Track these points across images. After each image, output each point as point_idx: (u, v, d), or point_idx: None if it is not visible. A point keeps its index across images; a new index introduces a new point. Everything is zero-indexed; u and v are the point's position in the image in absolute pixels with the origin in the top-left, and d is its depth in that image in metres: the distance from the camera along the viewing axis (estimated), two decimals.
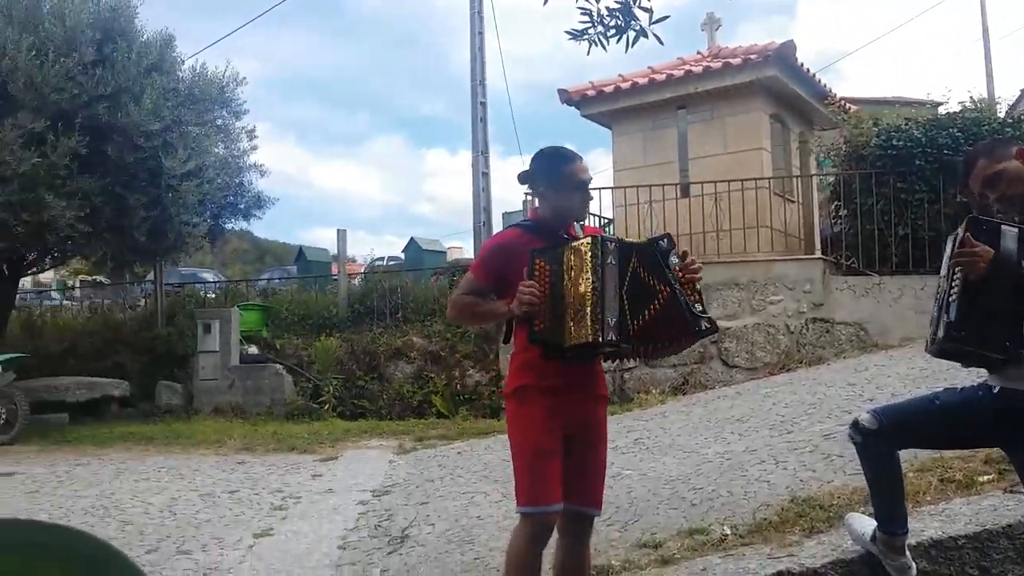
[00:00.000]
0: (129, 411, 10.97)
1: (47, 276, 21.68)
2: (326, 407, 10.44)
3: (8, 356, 9.64)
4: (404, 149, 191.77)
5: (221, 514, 5.68)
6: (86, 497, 6.37)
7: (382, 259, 23.04)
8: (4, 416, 9.13)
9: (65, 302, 19.53)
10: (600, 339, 2.74)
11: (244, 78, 11.67)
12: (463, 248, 27.53)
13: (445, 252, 19.16)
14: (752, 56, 10.59)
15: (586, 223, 3.31)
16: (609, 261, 2.80)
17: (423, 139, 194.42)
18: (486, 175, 14.51)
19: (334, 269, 17.61)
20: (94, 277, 24.40)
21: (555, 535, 3.03)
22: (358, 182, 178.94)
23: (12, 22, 9.00)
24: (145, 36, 10.45)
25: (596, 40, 3.89)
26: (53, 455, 8.39)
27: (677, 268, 2.90)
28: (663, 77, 11.11)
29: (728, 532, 4.03)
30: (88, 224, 9.41)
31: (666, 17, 3.79)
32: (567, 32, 3.88)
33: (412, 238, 17.72)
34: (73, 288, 23.77)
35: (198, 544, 4.97)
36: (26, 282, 13.88)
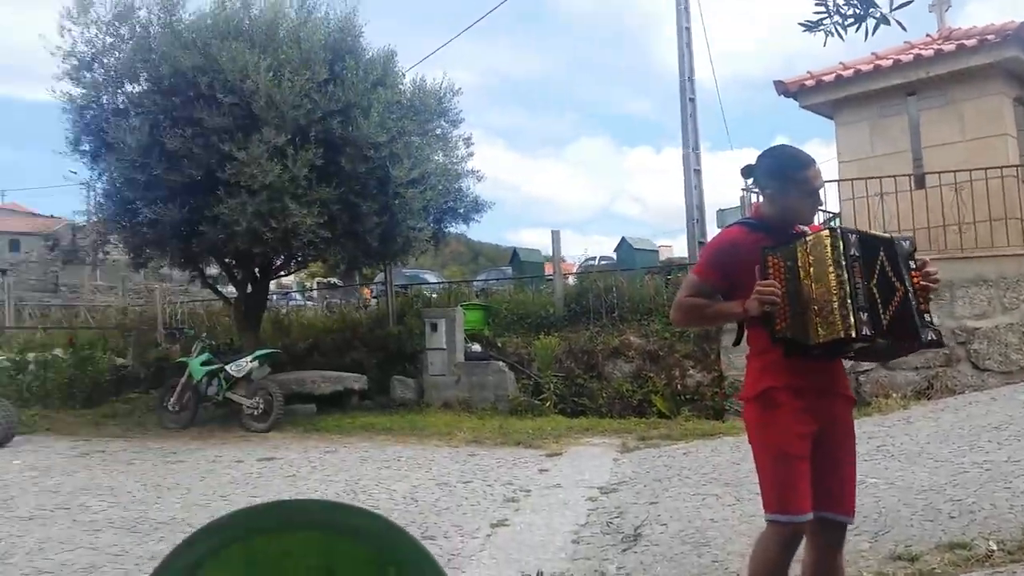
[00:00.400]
0: (367, 403, 11.72)
1: (287, 279, 23.63)
2: (547, 404, 10.65)
3: (264, 351, 10.64)
4: (609, 149, 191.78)
5: (458, 503, 5.96)
6: (337, 482, 6.91)
7: (594, 259, 23.20)
8: (262, 406, 10.07)
9: (306, 302, 21.20)
10: (854, 334, 2.63)
11: (460, 88, 12.20)
12: (672, 247, 27.15)
13: (657, 251, 18.97)
14: (989, 37, 9.74)
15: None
16: (852, 253, 2.70)
17: (628, 138, 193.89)
18: (698, 172, 14.27)
19: (547, 269, 17.94)
20: (328, 279, 26.42)
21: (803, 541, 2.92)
22: (564, 183, 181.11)
23: (254, 46, 9.83)
24: (370, 53, 11.13)
25: (832, 30, 3.72)
26: (305, 442, 9.17)
27: (914, 272, 2.75)
28: (889, 63, 10.45)
29: (994, 547, 3.73)
30: (327, 230, 10.16)
31: (910, 1, 3.56)
32: (801, 24, 3.73)
33: (623, 238, 17.68)
34: (311, 289, 25.83)
35: (440, 531, 5.25)
36: (270, 284, 15.27)
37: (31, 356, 13.93)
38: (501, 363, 11.45)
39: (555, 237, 13.59)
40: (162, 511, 5.94)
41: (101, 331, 15.63)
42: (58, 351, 13.99)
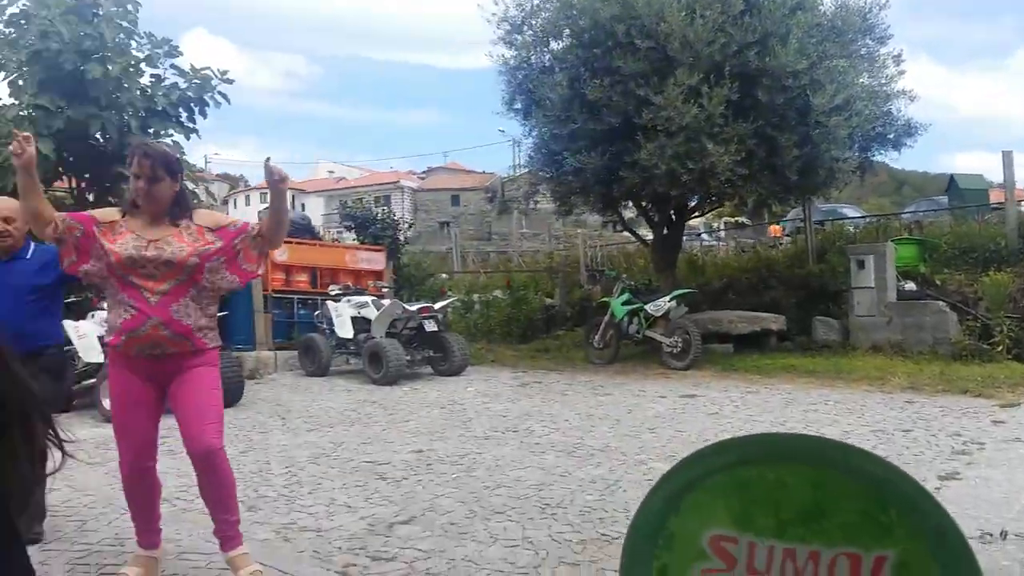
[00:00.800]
0: (786, 344, 11.37)
1: (694, 220, 23.79)
2: (999, 348, 9.38)
3: (681, 291, 10.81)
4: None
5: (898, 452, 5.52)
6: (761, 422, 6.81)
7: None
8: (680, 345, 10.28)
9: (715, 242, 21.15)
10: None
11: (887, 1, 11.11)
12: None
13: None
14: None
15: None
16: None
17: None
18: None
19: (993, 196, 15.75)
20: (736, 218, 26.05)
21: None
22: (1005, 98, 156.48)
23: None
24: None
25: None
26: (724, 381, 9.18)
27: None
28: None
29: None
30: (744, 167, 9.96)
31: None
32: None
33: None
34: (718, 229, 25.70)
35: None
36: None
37: (476, 297, 15.78)
38: (941, 303, 10.30)
39: (1007, 160, 11.80)
40: (596, 439, 6.33)
41: (532, 274, 17.15)
42: (497, 292, 15.65)
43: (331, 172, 65.32)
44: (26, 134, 2.97)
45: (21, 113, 9.43)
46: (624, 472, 5.20)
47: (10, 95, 9.76)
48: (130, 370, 3.25)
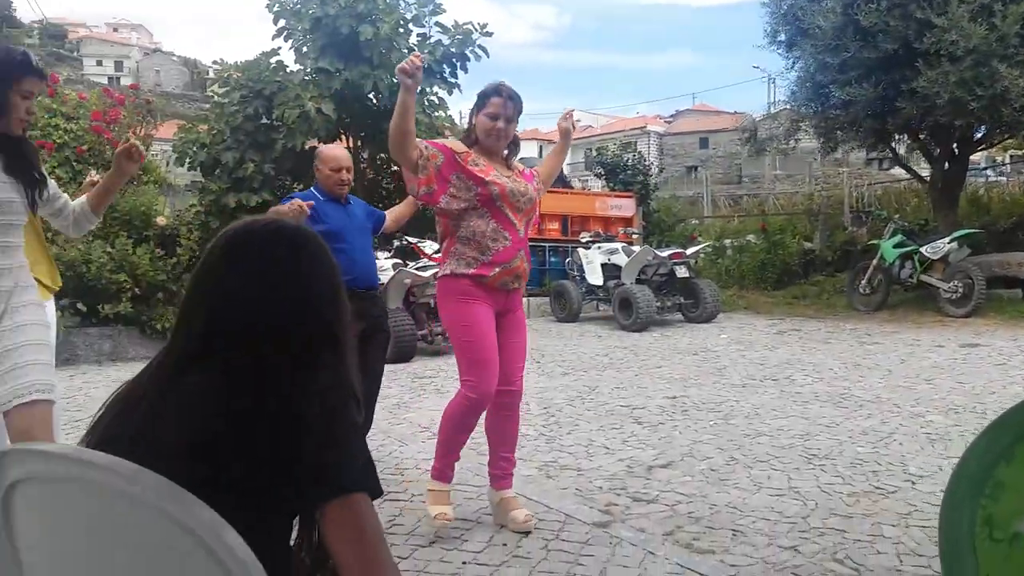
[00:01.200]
0: None
1: (976, 155, 21.49)
2: None
3: (963, 232, 9.83)
4: None
5: None
6: None
7: None
8: (961, 290, 9.38)
9: (999, 178, 19.03)
10: None
11: None
12: None
13: None
14: None
15: None
16: None
17: None
18: None
19: None
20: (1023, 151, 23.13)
21: None
22: None
23: None
24: None
25: None
26: (1012, 330, 8.32)
27: None
28: None
29: None
30: None
31: None
32: None
33: None
34: (1003, 164, 23.00)
35: None
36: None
37: (727, 242, 15.31)
38: None
39: None
40: (865, 389, 5.98)
41: (788, 217, 16.34)
42: (751, 237, 15.07)
43: (578, 120, 65.78)
44: (418, 54, 3.05)
45: (305, 77, 10.30)
46: (898, 424, 4.87)
47: (295, 61, 10.69)
48: (486, 303, 3.22)
